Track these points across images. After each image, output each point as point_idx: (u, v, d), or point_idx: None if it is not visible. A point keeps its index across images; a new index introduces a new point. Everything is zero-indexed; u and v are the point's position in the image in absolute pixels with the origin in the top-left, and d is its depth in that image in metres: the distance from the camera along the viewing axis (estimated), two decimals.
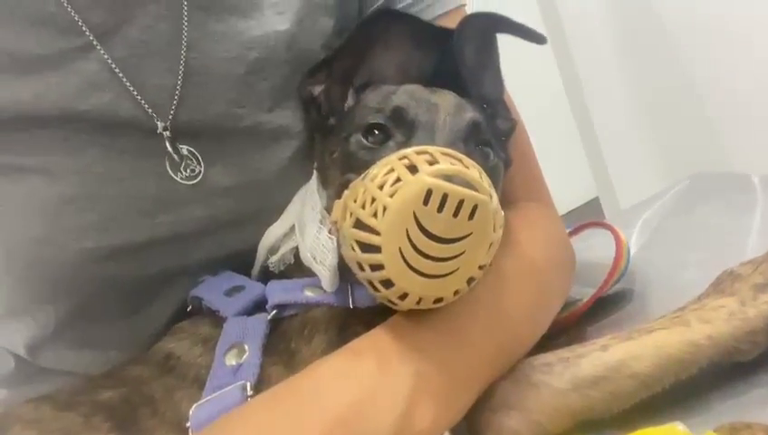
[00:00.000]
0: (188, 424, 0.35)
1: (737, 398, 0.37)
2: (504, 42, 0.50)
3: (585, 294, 0.55)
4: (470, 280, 0.36)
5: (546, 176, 0.59)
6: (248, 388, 0.36)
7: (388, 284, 0.34)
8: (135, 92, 0.44)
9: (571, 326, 0.53)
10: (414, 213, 0.32)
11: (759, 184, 0.68)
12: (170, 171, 0.45)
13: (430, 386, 0.34)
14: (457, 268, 0.34)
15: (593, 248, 0.60)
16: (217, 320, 0.42)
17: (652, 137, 1.43)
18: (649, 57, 1.35)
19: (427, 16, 0.53)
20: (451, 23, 0.48)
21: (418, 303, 0.35)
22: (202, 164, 0.46)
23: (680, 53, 1.27)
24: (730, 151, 1.26)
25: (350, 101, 0.48)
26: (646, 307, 0.54)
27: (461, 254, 0.34)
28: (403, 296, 0.35)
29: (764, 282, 0.39)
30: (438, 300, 0.35)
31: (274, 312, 0.41)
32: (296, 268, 0.45)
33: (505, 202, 0.52)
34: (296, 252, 0.45)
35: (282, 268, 0.46)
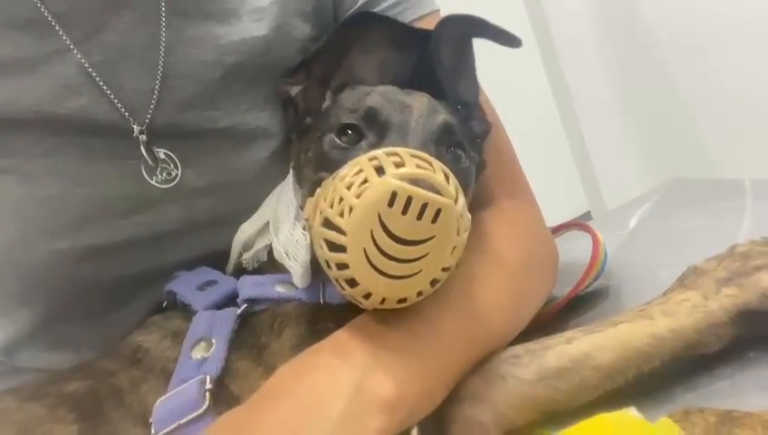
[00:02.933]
0: (151, 420, 0.36)
1: (700, 390, 0.38)
2: (496, 62, 0.50)
3: (564, 292, 0.56)
4: (433, 282, 0.36)
5: (537, 191, 0.59)
6: (207, 381, 0.36)
7: (352, 283, 0.35)
8: (112, 96, 0.45)
9: (546, 323, 0.54)
10: (379, 214, 0.33)
11: (749, 188, 0.69)
12: (146, 175, 0.46)
13: (384, 365, 0.35)
14: (420, 270, 0.34)
15: (573, 250, 0.61)
16: (190, 314, 0.42)
17: (642, 149, 1.44)
18: (642, 74, 1.36)
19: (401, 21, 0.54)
20: (426, 27, 0.49)
21: (382, 302, 0.36)
22: (179, 167, 0.47)
23: (669, 61, 1.28)
24: (722, 160, 1.26)
25: (327, 102, 0.49)
26: (622, 306, 0.54)
27: (424, 256, 0.34)
28: (367, 296, 0.35)
29: (727, 276, 0.40)
30: (402, 300, 0.36)
31: (245, 306, 0.42)
32: (269, 265, 0.46)
33: (483, 201, 0.53)
34: (270, 249, 0.46)
35: (255, 265, 0.47)
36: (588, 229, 0.59)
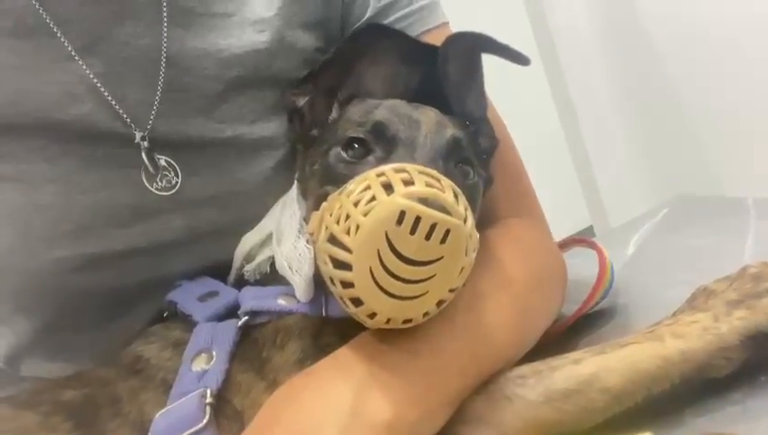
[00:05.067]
0: (150, 434, 0.35)
1: (710, 414, 0.37)
2: (499, 77, 0.50)
3: (570, 311, 0.55)
4: (440, 303, 0.35)
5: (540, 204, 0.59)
6: (208, 395, 0.36)
7: (357, 302, 0.34)
8: (114, 103, 0.45)
9: (554, 342, 0.53)
10: (386, 234, 0.32)
11: (753, 206, 0.68)
12: (146, 182, 0.46)
13: (383, 385, 0.34)
14: (428, 291, 0.34)
15: (579, 267, 0.60)
16: (191, 325, 0.42)
17: (646, 165, 1.44)
18: (646, 90, 1.36)
19: (409, 34, 0.53)
20: (434, 41, 0.48)
21: (387, 322, 0.35)
22: (180, 175, 0.47)
23: (674, 77, 1.28)
24: (726, 177, 1.26)
25: (333, 114, 0.49)
26: (630, 325, 0.54)
27: (432, 277, 0.33)
28: (372, 315, 0.35)
29: (738, 298, 0.39)
30: (407, 321, 0.35)
31: (246, 318, 0.41)
32: (272, 278, 0.45)
33: (491, 218, 0.52)
34: (272, 261, 0.45)
35: (257, 277, 0.46)
36: (593, 246, 0.58)
